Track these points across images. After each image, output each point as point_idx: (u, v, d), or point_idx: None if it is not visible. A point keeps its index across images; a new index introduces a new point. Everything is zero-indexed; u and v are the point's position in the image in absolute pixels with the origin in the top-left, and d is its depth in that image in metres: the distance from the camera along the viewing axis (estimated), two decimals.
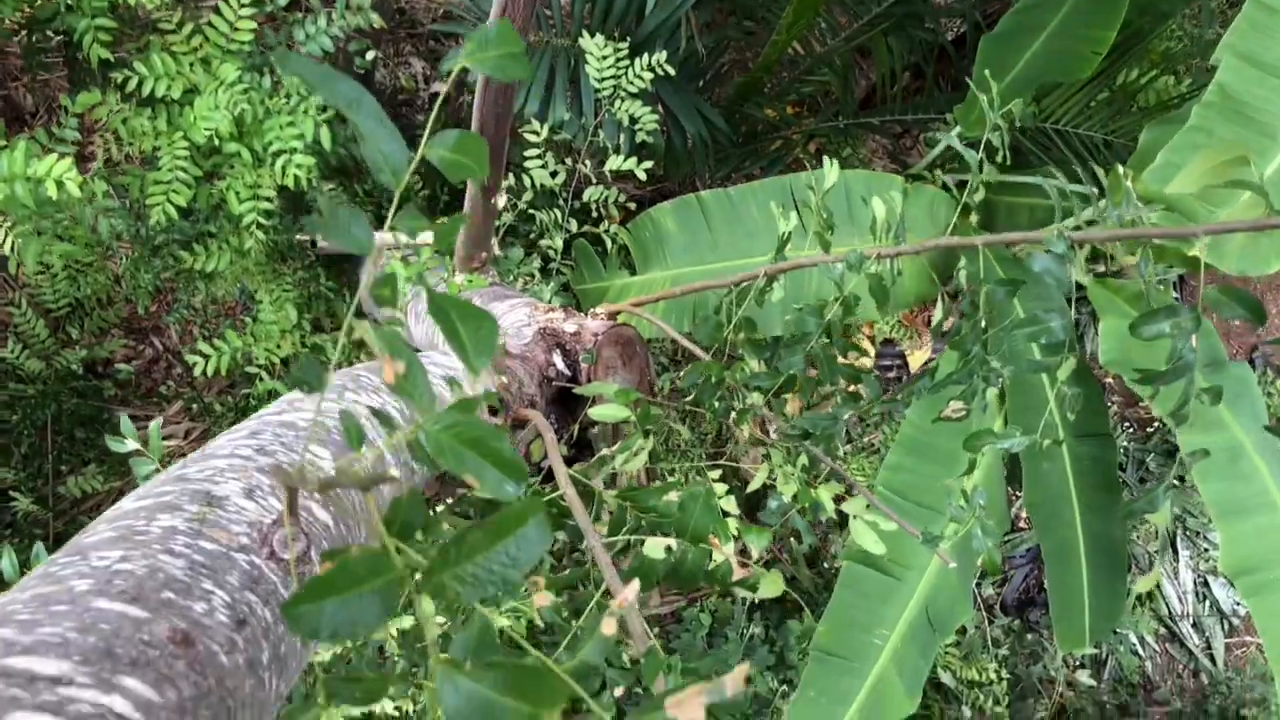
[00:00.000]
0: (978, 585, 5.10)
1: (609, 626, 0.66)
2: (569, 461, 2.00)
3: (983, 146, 1.94)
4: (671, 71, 3.55)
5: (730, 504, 1.80)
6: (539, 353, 1.82)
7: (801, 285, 3.07)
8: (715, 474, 1.87)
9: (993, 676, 4.55)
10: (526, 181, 3.55)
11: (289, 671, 0.86)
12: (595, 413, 1.74)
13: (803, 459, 1.80)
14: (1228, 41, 2.52)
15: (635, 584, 0.71)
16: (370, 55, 3.42)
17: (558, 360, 1.83)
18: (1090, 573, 3.35)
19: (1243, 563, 2.90)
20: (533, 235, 3.77)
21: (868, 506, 1.78)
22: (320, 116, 3.16)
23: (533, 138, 3.52)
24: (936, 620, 3.14)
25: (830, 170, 1.81)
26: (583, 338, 1.88)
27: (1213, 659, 5.35)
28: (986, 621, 4.91)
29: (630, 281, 3.62)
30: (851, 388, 1.69)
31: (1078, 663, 5.02)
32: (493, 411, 1.59)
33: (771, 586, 1.31)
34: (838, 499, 1.77)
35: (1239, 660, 5.21)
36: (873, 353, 4.77)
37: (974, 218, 2.82)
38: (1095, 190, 1.61)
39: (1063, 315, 1.28)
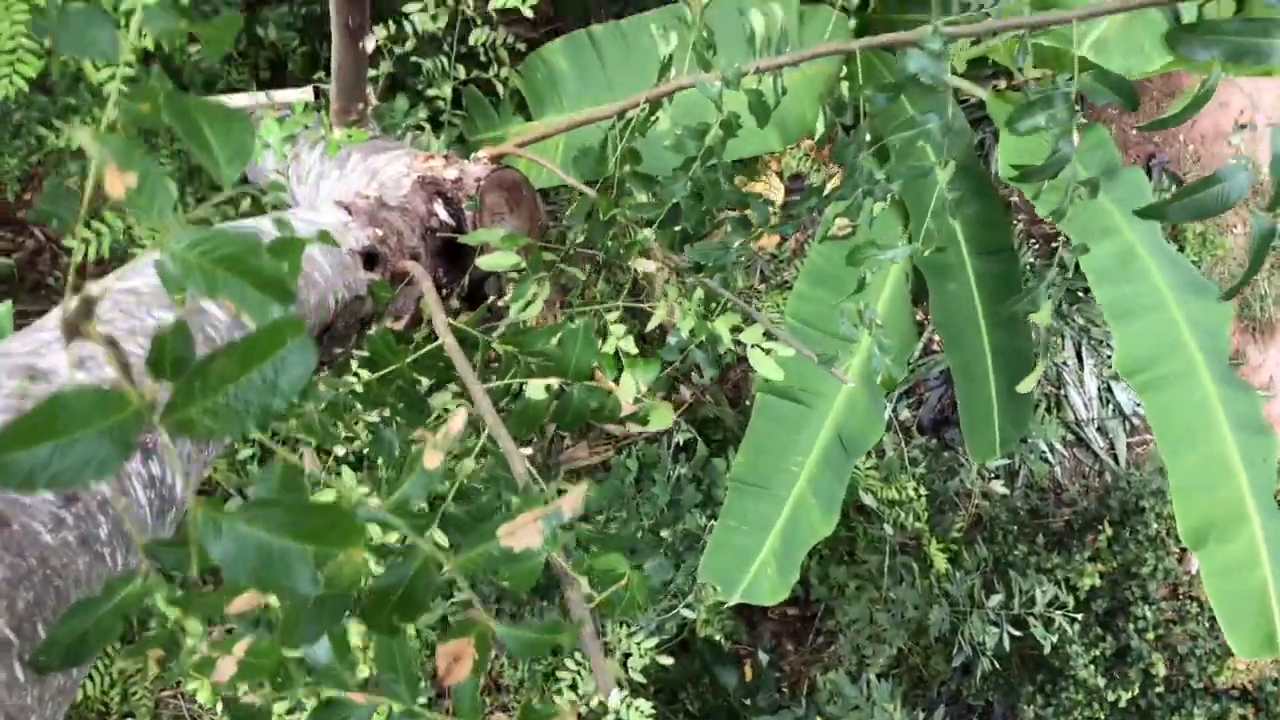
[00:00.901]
0: (894, 408, 5.25)
1: (431, 460, 0.62)
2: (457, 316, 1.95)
3: None
4: None
5: (629, 344, 1.77)
6: (419, 203, 1.74)
7: (692, 114, 2.98)
8: (614, 315, 1.83)
9: (912, 494, 4.72)
10: (408, 28, 3.36)
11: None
12: (484, 262, 1.69)
13: (699, 292, 1.77)
14: None
15: (462, 414, 0.67)
16: None
17: (440, 210, 1.75)
18: (998, 385, 3.45)
19: (1135, 362, 3.00)
20: (420, 86, 3.59)
21: (766, 334, 1.76)
22: None
23: None
24: (849, 443, 3.21)
25: None
26: (465, 184, 1.79)
27: (1116, 459, 5.64)
28: (904, 443, 5.07)
29: (526, 127, 3.49)
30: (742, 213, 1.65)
31: (992, 474, 5.24)
32: (369, 264, 1.52)
33: (661, 419, 1.29)
34: (735, 329, 1.75)
35: (1139, 458, 5.49)
36: (782, 189, 4.73)
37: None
38: None
39: (941, 116, 1.24)
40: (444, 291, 1.78)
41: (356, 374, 1.29)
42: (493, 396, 1.25)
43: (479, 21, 3.41)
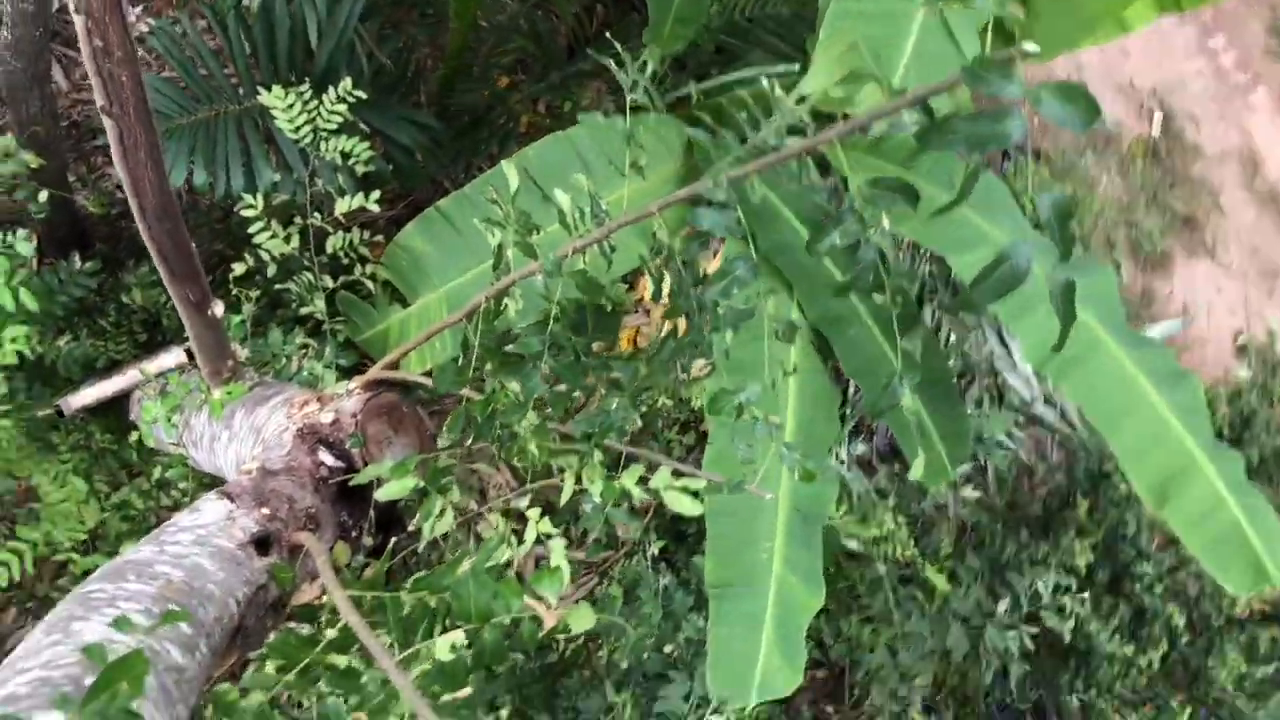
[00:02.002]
0: (849, 447, 5.28)
1: None
2: (378, 550, 1.94)
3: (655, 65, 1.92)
4: (363, 95, 3.42)
5: (546, 524, 1.78)
6: (303, 457, 1.74)
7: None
8: (524, 501, 1.84)
9: (892, 526, 4.73)
10: (265, 256, 3.39)
11: None
12: (382, 495, 1.69)
13: (599, 454, 1.79)
14: None
15: None
16: (43, 196, 3.17)
17: (325, 457, 1.75)
18: (930, 410, 3.50)
19: (1042, 353, 3.07)
20: (294, 305, 3.61)
21: (674, 473, 1.78)
22: (14, 281, 2.92)
23: (251, 212, 3.34)
24: (809, 513, 3.23)
25: (510, 172, 1.77)
26: (343, 424, 1.80)
27: (1071, 424, 5.72)
28: (868, 477, 5.09)
29: (406, 314, 3.52)
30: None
31: (962, 480, 5.27)
32: (264, 548, 1.51)
33: (580, 622, 1.30)
34: (643, 479, 1.77)
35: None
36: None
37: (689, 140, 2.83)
38: (768, 87, 1.62)
39: (746, 261, 1.29)
40: (353, 533, 1.78)
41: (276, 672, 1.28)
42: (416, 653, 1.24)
43: (331, 229, 3.46)
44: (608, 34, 4.59)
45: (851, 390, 5.43)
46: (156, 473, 3.44)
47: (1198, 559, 3.00)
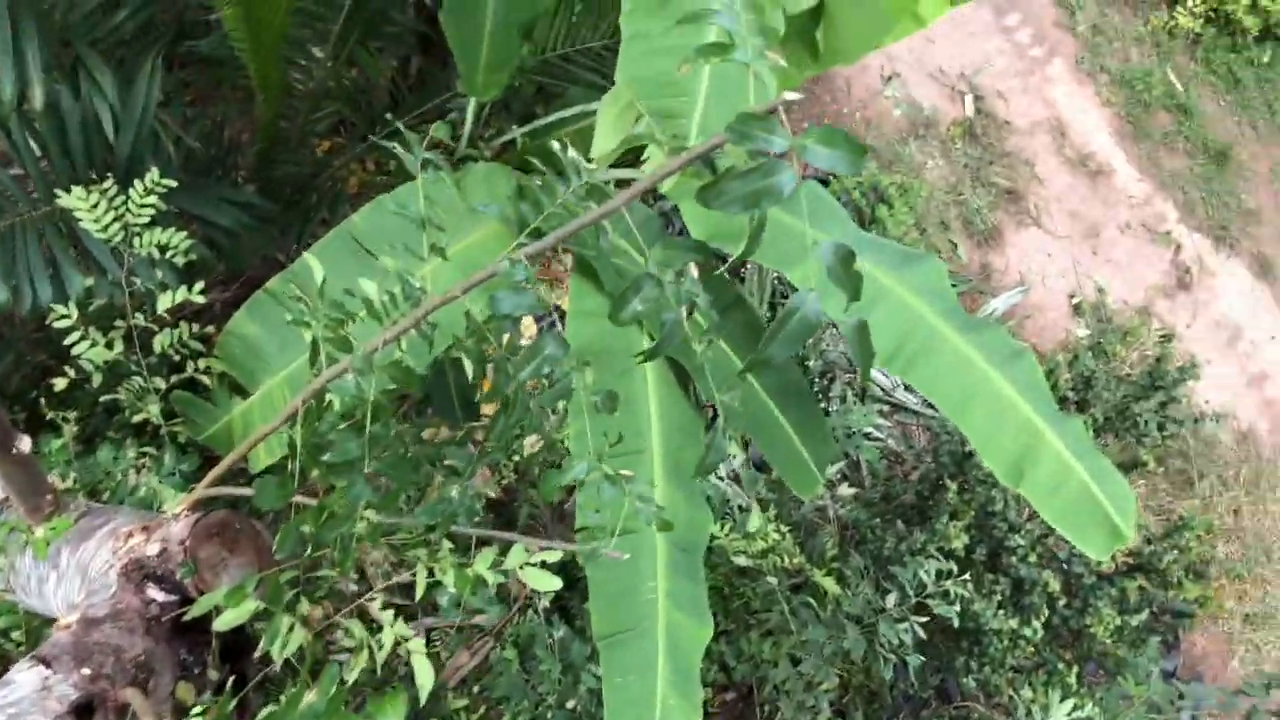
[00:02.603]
0: (727, 460, 5.32)
1: None
2: (232, 677, 1.83)
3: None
4: (174, 182, 3.27)
5: (402, 627, 1.71)
6: (129, 597, 1.63)
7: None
8: (378, 603, 1.77)
9: (776, 536, 4.78)
10: (88, 366, 3.20)
11: None
12: (220, 625, 1.59)
13: (447, 543, 1.73)
14: None
15: None
16: None
17: (154, 594, 1.64)
18: (791, 423, 3.55)
19: (886, 349, 3.13)
20: (127, 411, 3.41)
21: (526, 549, 1.74)
22: None
23: (65, 323, 3.15)
24: (688, 545, 3.22)
25: (315, 265, 1.70)
26: (170, 553, 1.69)
27: (931, 405, 5.91)
28: (746, 492, 5.14)
29: (249, 404, 3.37)
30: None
31: (837, 477, 5.38)
32: (87, 714, 1.40)
33: None
34: (496, 563, 1.72)
35: None
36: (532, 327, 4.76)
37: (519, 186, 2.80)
38: (559, 148, 1.60)
39: (556, 339, 1.26)
40: (196, 670, 1.67)
41: None
42: None
43: (157, 327, 3.29)
44: (429, 84, 4.55)
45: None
46: None
47: (1056, 529, 3.11)
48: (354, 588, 3.24)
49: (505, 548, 1.78)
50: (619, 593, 3.07)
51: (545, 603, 4.35)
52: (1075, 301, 6.64)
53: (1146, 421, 4.54)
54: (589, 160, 1.79)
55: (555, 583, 1.67)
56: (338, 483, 1.59)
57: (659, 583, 3.13)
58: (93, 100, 3.51)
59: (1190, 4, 7.65)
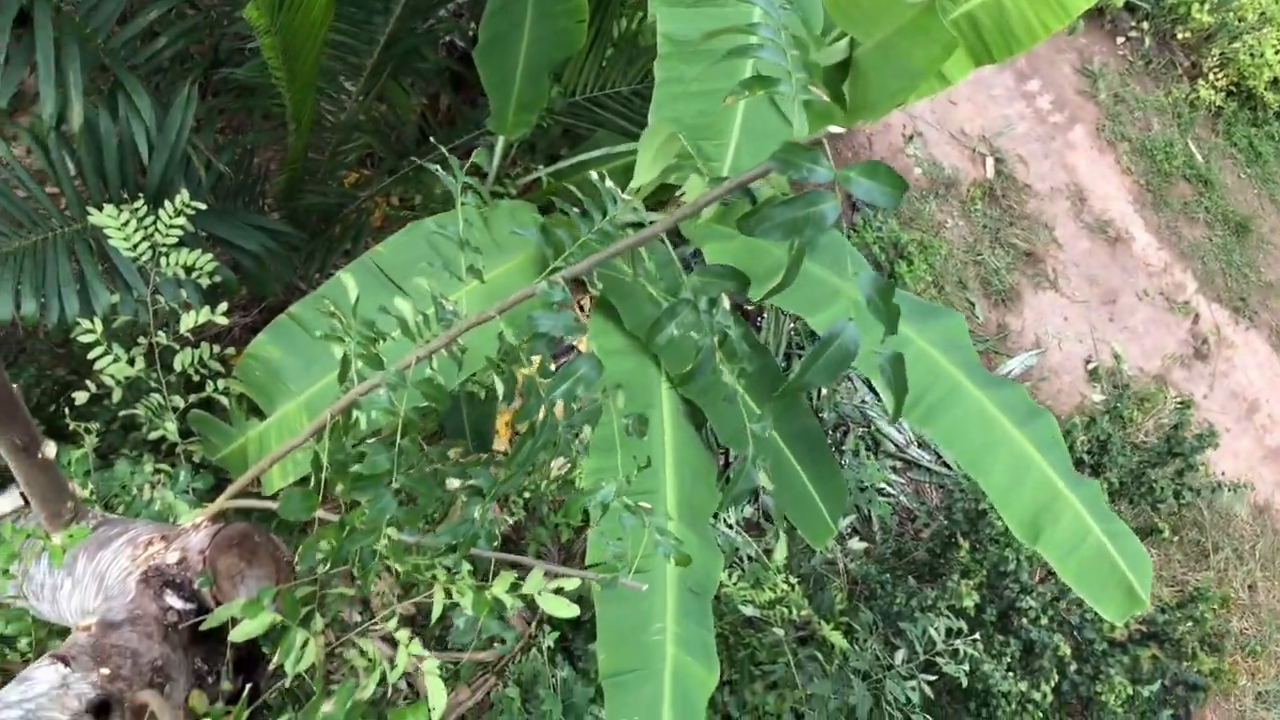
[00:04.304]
0: (736, 508, 5.29)
1: None
2: (236, 697, 1.81)
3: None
4: (203, 205, 3.32)
5: (416, 646, 1.70)
6: (148, 603, 1.62)
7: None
8: (393, 624, 1.76)
9: (785, 588, 4.74)
10: (109, 381, 3.22)
11: None
12: (236, 636, 1.58)
13: (465, 565, 1.72)
14: None
15: None
16: None
17: (173, 601, 1.64)
18: (806, 471, 3.53)
19: (906, 400, 3.13)
20: (145, 428, 3.43)
21: (546, 574, 1.73)
22: None
23: (89, 337, 3.18)
24: (698, 587, 3.19)
25: (349, 283, 1.72)
26: (190, 562, 1.69)
27: (945, 464, 5.88)
28: (756, 540, 5.11)
29: (265, 426, 3.38)
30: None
31: (848, 532, 5.34)
32: (104, 714, 1.39)
33: None
34: (514, 586, 1.71)
35: None
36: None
37: (544, 224, 2.83)
38: (598, 179, 1.62)
39: (590, 360, 1.27)
40: (210, 678, 1.66)
41: None
42: None
43: (179, 346, 3.31)
44: (458, 121, 4.62)
45: (732, 455, 5.48)
46: None
47: (1073, 589, 3.08)
48: (357, 618, 3.22)
49: (522, 576, 1.77)
50: (627, 631, 3.04)
51: (549, 642, 4.31)
52: (1091, 366, 6.63)
53: (1163, 488, 4.51)
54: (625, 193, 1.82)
55: (573, 610, 1.66)
56: (362, 498, 1.60)
57: (668, 624, 3.10)
58: (129, 123, 3.58)
59: (1212, 78, 7.73)
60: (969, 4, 3.92)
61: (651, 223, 1.40)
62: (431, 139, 4.76)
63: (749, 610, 4.75)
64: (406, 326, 1.53)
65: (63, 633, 2.69)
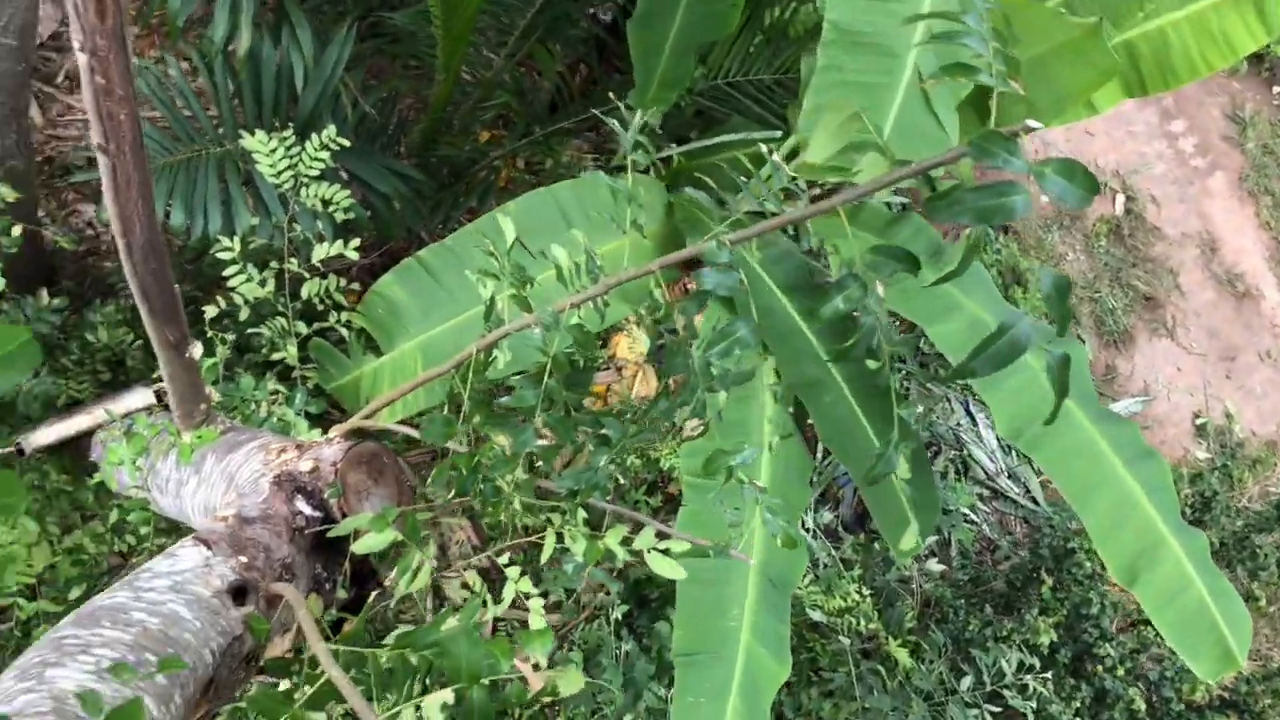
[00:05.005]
0: (814, 515, 5.27)
1: None
2: (356, 601, 1.89)
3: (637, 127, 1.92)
4: (347, 142, 3.42)
5: (526, 584, 1.74)
6: (279, 505, 1.70)
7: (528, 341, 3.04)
8: (504, 559, 1.81)
9: (857, 597, 4.71)
10: (238, 300, 3.35)
11: None
12: (359, 548, 1.64)
13: (581, 513, 1.76)
14: None
15: None
16: (16, 231, 3.11)
17: (302, 506, 1.71)
18: (900, 481, 3.50)
19: (1014, 423, 3.09)
20: (265, 350, 3.56)
21: (658, 534, 1.76)
22: None
23: (227, 254, 3.31)
24: (779, 580, 3.20)
25: (505, 224, 1.77)
26: (322, 472, 1.76)
27: (1034, 500, 5.76)
28: (834, 547, 5.08)
29: (380, 363, 3.48)
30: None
31: (926, 553, 5.28)
32: (240, 598, 1.46)
33: (570, 684, 1.26)
34: (626, 540, 1.74)
35: (1054, 494, 5.62)
36: (644, 344, 4.81)
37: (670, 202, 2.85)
38: (766, 151, 1.63)
39: (748, 322, 1.29)
40: (328, 585, 1.73)
41: None
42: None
43: (307, 275, 3.43)
44: (594, 91, 4.66)
45: (819, 458, 5.45)
46: (113, 516, 3.35)
47: (1166, 639, 3.01)
48: (434, 562, 3.30)
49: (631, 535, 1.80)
50: (705, 613, 3.06)
51: (617, 615, 4.36)
52: (1200, 422, 6.41)
53: (1265, 555, 4.36)
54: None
55: (679, 572, 1.68)
56: (501, 431, 1.65)
57: (745, 612, 3.12)
58: (290, 53, 3.71)
59: None
60: (1130, 31, 3.82)
61: (823, 195, 1.41)
62: (562, 108, 4.83)
63: (816, 615, 4.74)
64: (561, 272, 1.57)
65: (176, 528, 2.82)
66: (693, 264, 1.87)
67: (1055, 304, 1.10)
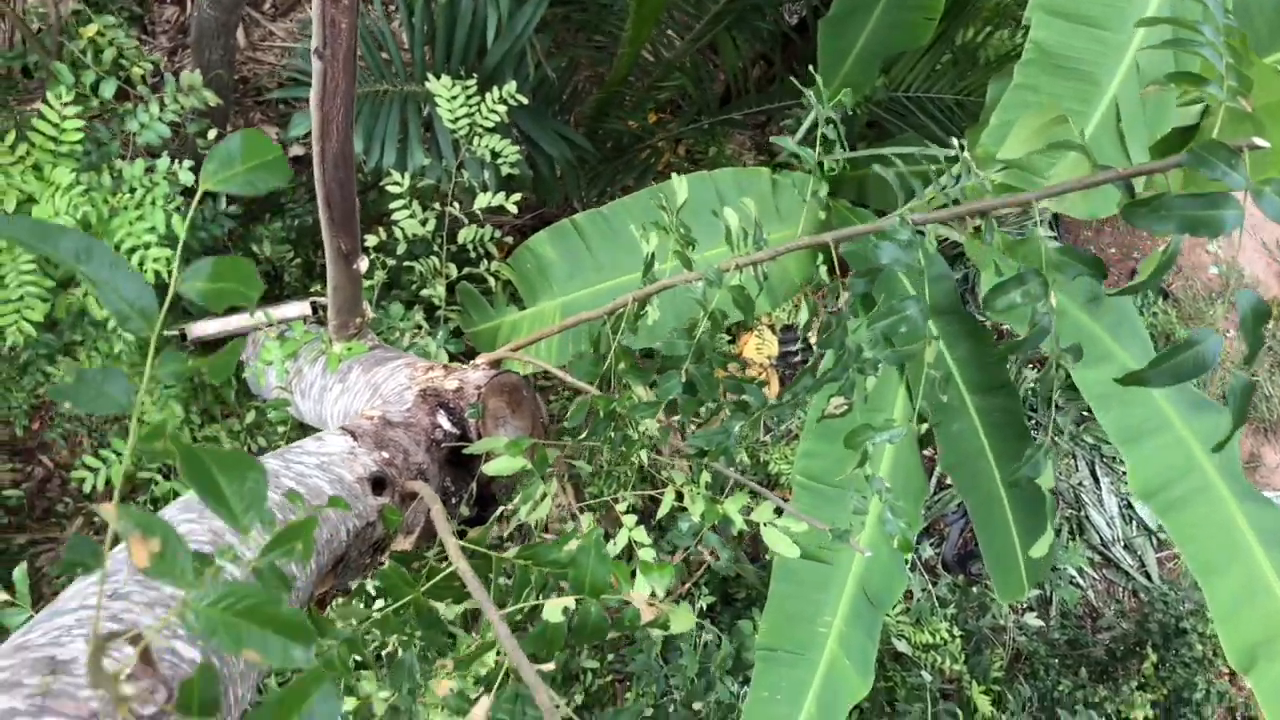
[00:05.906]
0: (917, 546, 5.17)
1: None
2: (474, 521, 1.95)
3: (819, 131, 1.94)
4: (524, 100, 3.52)
5: (640, 534, 1.77)
6: (422, 416, 1.77)
7: (678, 301, 3.07)
8: (623, 505, 1.85)
9: (946, 636, 4.61)
10: (398, 234, 3.49)
11: None
12: (490, 468, 1.70)
13: (706, 475, 1.78)
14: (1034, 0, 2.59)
15: (485, 704, 0.67)
16: (212, 134, 3.31)
17: (443, 421, 1.78)
18: (1017, 522, 3.41)
19: (1149, 484, 2.98)
20: (414, 286, 3.70)
21: (777, 511, 1.77)
22: (170, 205, 3.05)
23: (395, 189, 3.45)
24: (875, 597, 3.16)
25: (680, 185, 1.80)
26: (466, 393, 1.83)
27: (1148, 575, 5.52)
28: (930, 582, 4.98)
29: (521, 316, 3.58)
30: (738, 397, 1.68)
31: (1025, 606, 5.12)
32: (378, 488, 1.54)
33: (682, 621, 1.29)
34: (746, 509, 1.75)
35: (1171, 573, 5.37)
36: (775, 340, 4.81)
37: (828, 204, 2.84)
38: (958, 147, 1.62)
39: (919, 302, 1.29)
40: (453, 499, 1.79)
41: (370, 603, 1.29)
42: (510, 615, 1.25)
43: (466, 220, 3.55)
44: (770, 89, 4.67)
45: (930, 492, 5.34)
46: (250, 416, 3.53)
47: None
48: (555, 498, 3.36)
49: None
50: (796, 613, 3.05)
51: (702, 604, 4.37)
52: None
53: None
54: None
55: (794, 550, 1.69)
56: (642, 382, 1.68)
57: (836, 621, 3.09)
58: (485, 8, 3.83)
59: None
60: None
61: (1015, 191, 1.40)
62: (734, 100, 4.85)
63: (902, 645, 4.65)
64: (730, 235, 1.59)
65: (311, 432, 2.97)
66: (845, 269, 1.87)
67: (1250, 327, 1.07)
